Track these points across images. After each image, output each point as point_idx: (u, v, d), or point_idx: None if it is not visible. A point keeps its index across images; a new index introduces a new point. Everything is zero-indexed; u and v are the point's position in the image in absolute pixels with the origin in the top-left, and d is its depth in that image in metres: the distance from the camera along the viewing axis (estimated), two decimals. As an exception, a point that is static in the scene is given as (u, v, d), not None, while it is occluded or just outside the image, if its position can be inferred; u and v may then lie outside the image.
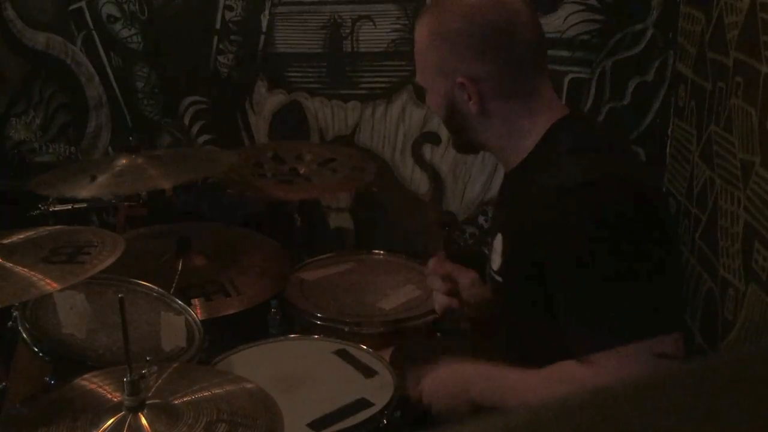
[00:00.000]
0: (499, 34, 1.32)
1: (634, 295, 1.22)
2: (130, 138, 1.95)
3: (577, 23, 2.39)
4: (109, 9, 2.69)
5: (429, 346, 1.81)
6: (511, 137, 1.37)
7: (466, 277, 1.66)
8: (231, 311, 1.80)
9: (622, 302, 1.21)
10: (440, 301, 1.66)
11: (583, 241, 1.22)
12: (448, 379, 1.41)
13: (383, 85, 2.59)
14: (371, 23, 2.54)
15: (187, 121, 2.75)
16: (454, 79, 1.35)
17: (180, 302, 1.65)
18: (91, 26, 2.72)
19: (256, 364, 1.59)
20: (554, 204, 1.24)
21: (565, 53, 2.41)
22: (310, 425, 1.40)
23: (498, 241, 1.40)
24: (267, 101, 2.68)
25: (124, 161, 1.93)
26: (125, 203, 2.23)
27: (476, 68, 1.33)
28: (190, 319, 1.62)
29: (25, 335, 1.49)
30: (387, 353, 1.71)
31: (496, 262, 1.40)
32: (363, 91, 2.61)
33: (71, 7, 2.70)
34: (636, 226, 1.24)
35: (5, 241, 1.43)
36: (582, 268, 1.23)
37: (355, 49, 2.57)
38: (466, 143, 1.47)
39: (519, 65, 1.34)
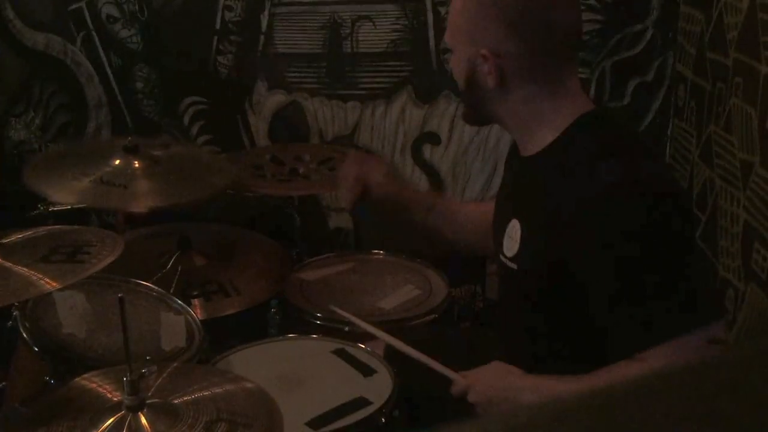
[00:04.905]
0: (535, 14, 1.29)
1: (684, 286, 1.21)
2: (129, 138, 1.94)
3: (577, 23, 2.39)
4: (108, 9, 2.68)
5: (424, 337, 1.80)
6: (529, 120, 1.35)
7: (378, 172, 1.73)
8: (231, 311, 1.80)
9: (673, 295, 1.20)
10: (348, 198, 1.76)
11: (629, 238, 1.20)
12: (497, 384, 1.35)
13: (383, 86, 2.59)
14: (371, 23, 2.53)
15: (186, 121, 2.75)
16: (478, 49, 1.31)
17: (180, 302, 1.65)
18: (91, 26, 2.71)
19: (256, 364, 1.59)
20: (597, 198, 1.22)
21: (564, 53, 2.40)
22: (309, 424, 1.40)
23: (514, 228, 1.38)
24: (267, 101, 2.68)
25: (117, 161, 1.87)
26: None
27: (503, 44, 1.30)
28: (190, 319, 1.62)
29: (24, 335, 1.49)
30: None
31: (510, 248, 1.38)
32: (363, 92, 2.61)
33: (71, 8, 2.69)
34: (676, 220, 1.24)
35: (5, 241, 1.43)
36: (629, 267, 1.21)
37: (355, 50, 2.57)
38: (476, 115, 1.45)
39: (548, 50, 1.31)
